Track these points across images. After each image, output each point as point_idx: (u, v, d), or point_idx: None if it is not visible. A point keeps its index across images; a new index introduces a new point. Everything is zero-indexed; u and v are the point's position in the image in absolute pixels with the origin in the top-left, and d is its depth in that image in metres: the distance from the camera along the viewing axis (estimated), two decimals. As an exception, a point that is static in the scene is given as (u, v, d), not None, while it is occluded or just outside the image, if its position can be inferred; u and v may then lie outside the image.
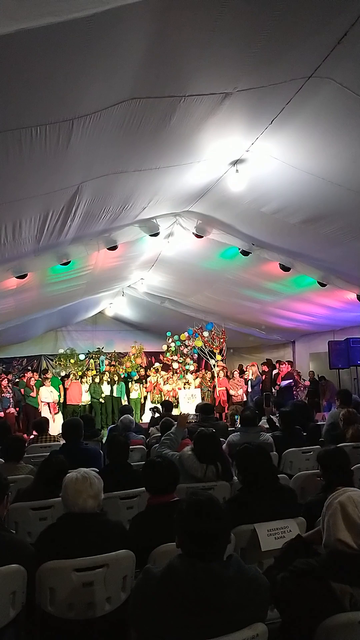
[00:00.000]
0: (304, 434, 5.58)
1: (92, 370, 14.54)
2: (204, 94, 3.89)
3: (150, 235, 7.73)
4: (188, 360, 13.34)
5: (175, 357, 13.36)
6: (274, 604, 1.80)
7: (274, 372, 12.66)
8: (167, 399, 11.26)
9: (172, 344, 13.45)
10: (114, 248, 7.58)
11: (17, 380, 13.19)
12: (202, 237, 7.93)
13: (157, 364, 14.17)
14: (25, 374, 12.85)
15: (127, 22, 2.77)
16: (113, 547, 2.27)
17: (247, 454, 2.93)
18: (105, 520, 2.44)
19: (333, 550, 1.75)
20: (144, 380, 14.22)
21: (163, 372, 13.66)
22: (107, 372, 14.41)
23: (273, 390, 12.26)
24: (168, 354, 13.56)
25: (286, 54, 3.53)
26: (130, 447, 4.40)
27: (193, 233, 7.90)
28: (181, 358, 13.36)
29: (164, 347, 13.73)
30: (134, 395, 13.93)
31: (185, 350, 13.24)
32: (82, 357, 15.10)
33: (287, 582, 1.81)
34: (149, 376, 14.03)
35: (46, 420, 6.48)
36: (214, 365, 12.52)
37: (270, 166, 5.39)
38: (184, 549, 1.70)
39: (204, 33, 3.11)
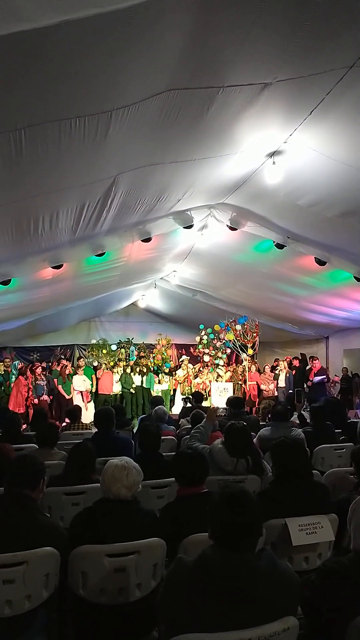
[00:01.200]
0: (337, 430, 5.50)
1: (123, 360, 14.70)
2: (242, 84, 3.84)
3: (184, 228, 7.73)
4: (220, 354, 13.29)
5: (207, 350, 13.33)
6: (302, 607, 1.79)
7: (307, 367, 12.50)
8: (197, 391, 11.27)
9: (205, 337, 13.42)
10: (147, 240, 7.62)
11: (50, 368, 13.45)
12: (236, 229, 7.88)
13: (184, 357, 14.20)
14: (61, 362, 13.07)
15: (166, 12, 2.77)
16: (144, 535, 2.30)
17: (283, 448, 2.92)
18: (138, 508, 2.48)
19: None
20: (173, 373, 14.27)
21: (190, 365, 13.67)
22: (138, 363, 14.54)
23: (305, 386, 12.12)
24: (200, 346, 13.54)
25: (327, 43, 3.46)
26: (162, 437, 4.44)
27: (227, 225, 7.85)
28: (213, 351, 13.32)
29: (197, 339, 13.72)
30: (163, 387, 14.01)
31: (217, 344, 13.19)
32: (113, 347, 15.26)
33: (317, 581, 1.80)
34: (178, 368, 14.07)
35: (79, 409, 6.60)
36: (245, 359, 12.45)
37: (307, 158, 5.30)
38: (216, 539, 1.71)
39: (244, 22, 3.08)
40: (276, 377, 12.66)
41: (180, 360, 14.23)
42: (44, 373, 12.48)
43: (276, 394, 12.05)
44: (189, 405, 7.49)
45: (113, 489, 2.38)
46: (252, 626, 1.52)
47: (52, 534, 2.31)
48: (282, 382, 12.61)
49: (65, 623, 2.36)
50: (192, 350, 14.64)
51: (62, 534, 2.38)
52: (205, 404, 9.13)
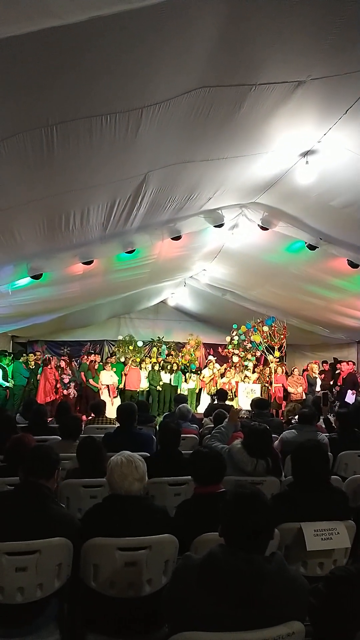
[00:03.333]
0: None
1: (154, 358, 14.76)
2: (276, 82, 3.80)
3: (215, 227, 7.69)
4: (249, 355, 13.17)
5: (236, 351, 13.23)
6: (309, 614, 1.76)
7: (336, 372, 12.28)
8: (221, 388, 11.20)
9: (236, 337, 13.32)
10: (177, 238, 7.62)
11: (80, 362, 13.64)
12: (267, 229, 7.79)
13: (210, 357, 14.14)
14: (89, 357, 13.24)
15: (197, 9, 2.76)
16: (155, 531, 2.31)
17: (304, 451, 2.87)
18: (149, 504, 2.48)
19: None
20: (199, 372, 14.25)
21: (217, 365, 13.61)
22: (167, 361, 14.58)
23: (333, 390, 11.91)
24: (230, 346, 13.46)
25: (363, 40, 3.38)
26: (183, 435, 4.44)
27: (258, 225, 7.78)
28: (242, 352, 13.21)
29: (227, 339, 13.65)
30: (190, 385, 14.01)
31: (248, 346, 13.07)
32: (140, 344, 15.33)
33: (324, 589, 1.77)
34: (205, 367, 14.04)
35: (103, 403, 6.66)
36: (272, 361, 12.31)
37: (342, 158, 5.20)
38: (226, 538, 1.70)
39: (277, 19, 3.04)
40: (312, 382, 12.47)
41: (207, 360, 14.17)
42: (72, 366, 12.66)
43: (304, 397, 11.87)
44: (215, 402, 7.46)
45: (125, 484, 2.39)
46: (256, 628, 1.51)
47: (66, 524, 2.35)
48: (318, 387, 12.45)
49: (76, 613, 2.39)
50: (220, 350, 14.56)
51: (75, 524, 2.41)
52: (231, 404, 9.09)
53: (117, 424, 5.18)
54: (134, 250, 7.48)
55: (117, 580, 2.24)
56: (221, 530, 1.76)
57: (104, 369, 12.52)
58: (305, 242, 7.86)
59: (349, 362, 11.90)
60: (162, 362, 14.47)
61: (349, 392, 10.71)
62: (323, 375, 12.79)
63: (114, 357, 14.25)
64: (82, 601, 2.35)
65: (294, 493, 2.77)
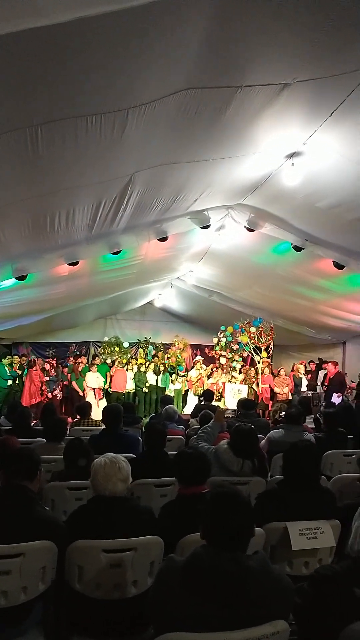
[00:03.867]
0: (350, 436, 5.43)
1: (141, 359, 14.73)
2: (261, 84, 3.82)
3: (201, 228, 7.71)
4: (237, 357, 13.21)
5: (224, 353, 13.26)
6: (293, 613, 1.77)
7: (321, 372, 12.37)
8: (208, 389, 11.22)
9: (223, 339, 13.36)
10: (164, 239, 7.61)
11: (66, 364, 13.57)
12: (253, 230, 7.82)
13: (198, 357, 14.16)
14: (77, 359, 13.17)
15: (184, 11, 2.76)
16: (141, 532, 2.30)
17: (296, 451, 2.88)
18: (135, 505, 2.48)
19: (358, 556, 1.70)
20: (186, 373, 14.26)
21: (204, 366, 13.62)
22: (153, 362, 14.56)
23: (319, 390, 11.99)
24: (217, 347, 13.49)
25: (348, 44, 3.41)
26: (169, 437, 4.43)
27: (245, 226, 7.81)
28: (230, 354, 13.24)
29: (214, 340, 13.68)
30: (177, 386, 14.01)
31: (235, 347, 13.11)
32: (125, 345, 15.29)
33: (309, 588, 1.78)
34: (192, 368, 14.05)
35: (89, 405, 6.63)
36: (259, 362, 12.36)
37: (327, 160, 5.25)
38: (207, 539, 1.70)
39: (263, 22, 3.05)
40: (298, 382, 12.54)
41: (195, 360, 14.18)
42: (57, 369, 12.59)
43: (290, 397, 11.94)
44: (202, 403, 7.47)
45: (109, 486, 2.38)
46: (242, 627, 1.51)
47: (50, 527, 2.33)
48: (304, 387, 12.53)
49: (61, 616, 2.37)
50: (207, 350, 14.59)
51: (60, 527, 2.39)
52: (218, 404, 9.11)
53: (103, 426, 5.16)
54: (120, 251, 7.46)
55: (102, 582, 2.23)
56: (202, 531, 1.76)
57: (90, 370, 12.46)
58: (292, 244, 7.91)
59: (334, 363, 12.00)
60: (149, 363, 14.45)
61: (334, 395, 10.79)
62: (310, 376, 12.88)
63: (97, 358, 14.16)
64: (67, 604, 2.33)
65: (284, 492, 2.78)
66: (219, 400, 11.54)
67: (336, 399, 10.95)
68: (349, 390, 11.82)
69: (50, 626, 2.32)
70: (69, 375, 12.52)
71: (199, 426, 5.52)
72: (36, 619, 2.28)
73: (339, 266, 8.06)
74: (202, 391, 12.32)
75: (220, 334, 13.31)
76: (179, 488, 2.84)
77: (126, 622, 2.27)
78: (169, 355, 14.88)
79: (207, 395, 7.72)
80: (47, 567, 2.24)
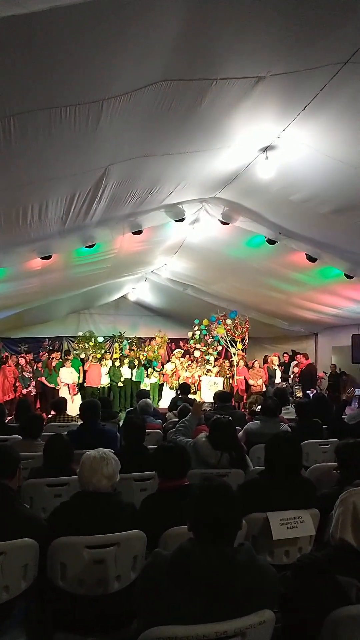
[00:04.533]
0: (324, 426, 5.53)
1: (117, 353, 14.64)
2: (236, 77, 3.82)
3: (176, 221, 7.70)
4: (211, 350, 13.28)
5: (198, 346, 13.32)
6: (278, 604, 1.79)
7: (293, 363, 12.56)
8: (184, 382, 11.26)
9: (198, 332, 13.39)
10: (139, 232, 7.58)
11: (39, 360, 13.39)
12: (228, 224, 7.86)
13: (177, 350, 14.17)
14: (51, 355, 13.00)
15: (159, 2, 2.73)
16: (123, 527, 2.30)
17: (279, 441, 2.91)
18: (118, 500, 2.47)
19: (339, 544, 1.74)
20: (162, 367, 14.26)
21: (182, 359, 13.66)
22: (128, 356, 14.50)
23: (290, 381, 12.19)
24: (192, 341, 13.53)
25: (322, 39, 3.44)
26: (147, 430, 4.43)
27: (219, 220, 7.83)
28: (204, 347, 13.30)
29: (189, 334, 13.71)
30: (152, 380, 14.01)
31: (209, 340, 13.18)
32: (100, 339, 15.20)
33: (292, 576, 1.81)
34: (167, 362, 14.05)
35: (64, 400, 6.57)
36: (234, 354, 12.47)
37: (301, 153, 5.29)
38: (195, 532, 1.70)
39: (238, 14, 3.05)
40: (272, 373, 12.69)
41: (172, 353, 14.15)
42: (31, 364, 12.42)
43: (264, 389, 12.09)
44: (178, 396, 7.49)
45: (93, 480, 2.37)
46: (229, 619, 1.52)
47: (31, 525, 2.31)
48: (278, 379, 12.69)
49: (44, 614, 2.35)
50: (182, 344, 14.62)
51: (41, 524, 2.37)
52: (194, 397, 9.15)
53: (79, 421, 5.12)
54: (94, 245, 7.39)
55: (85, 578, 2.22)
56: (189, 524, 1.77)
57: (64, 365, 12.34)
58: (265, 237, 7.98)
59: (305, 355, 12.20)
60: (124, 358, 14.38)
61: (308, 391, 11.01)
62: (282, 367, 13.07)
63: (71, 353, 13.99)
64: (50, 601, 2.31)
65: (265, 483, 2.82)
66: (195, 393, 11.59)
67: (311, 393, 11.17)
68: (319, 381, 12.05)
69: (32, 624, 2.30)
70: (43, 370, 12.36)
71: (176, 420, 5.53)
72: (18, 617, 2.25)
73: (311, 259, 8.18)
74: (177, 384, 12.36)
75: (195, 327, 13.35)
76: (159, 482, 2.85)
77: (109, 617, 2.26)
78: (146, 349, 14.82)
79: (184, 388, 7.74)
80: (29, 565, 2.22)
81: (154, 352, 14.63)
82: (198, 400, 8.18)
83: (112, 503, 2.41)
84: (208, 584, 1.56)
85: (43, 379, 12.17)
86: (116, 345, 15.17)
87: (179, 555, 1.64)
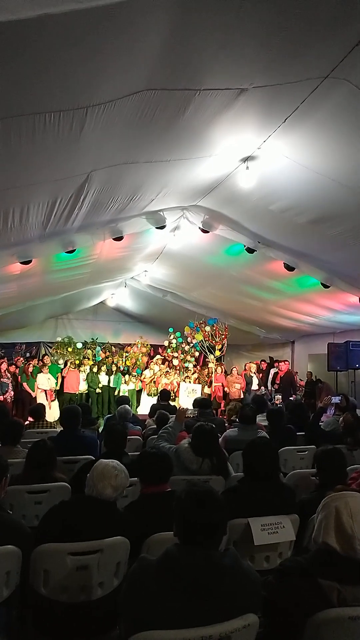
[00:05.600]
0: (301, 433, 5.59)
1: (90, 360, 14.54)
2: (219, 88, 3.87)
3: (157, 228, 7.73)
4: (189, 357, 13.31)
5: (175, 354, 13.34)
6: (262, 607, 1.82)
7: (272, 370, 12.68)
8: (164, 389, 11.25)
9: (174, 341, 13.41)
10: (119, 239, 7.58)
11: (16, 365, 13.20)
12: (208, 232, 7.93)
13: (158, 356, 14.15)
14: (30, 361, 12.83)
15: (146, 13, 2.77)
16: (110, 533, 2.30)
17: (255, 447, 2.96)
18: (114, 508, 2.49)
19: (321, 548, 1.77)
20: (141, 373, 14.21)
21: (162, 366, 13.66)
22: (105, 363, 14.40)
23: (270, 388, 12.30)
24: (169, 349, 13.55)
25: (304, 53, 3.52)
26: (127, 437, 4.42)
27: (199, 227, 7.90)
28: (182, 355, 13.33)
29: (166, 343, 13.72)
30: (130, 387, 13.96)
31: (186, 348, 13.22)
32: (79, 345, 15.09)
33: (275, 581, 1.84)
34: (146, 368, 14.02)
35: (43, 407, 6.51)
36: (212, 362, 12.53)
37: (281, 165, 5.38)
38: (181, 537, 1.72)
39: (222, 26, 3.10)
40: (249, 380, 12.78)
41: (154, 360, 14.11)
42: (10, 371, 12.23)
43: (242, 396, 12.17)
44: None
45: (99, 486, 2.40)
46: (214, 622, 1.54)
47: (14, 532, 2.29)
48: (255, 386, 12.79)
49: (26, 621, 2.33)
50: (160, 351, 14.62)
51: (24, 531, 2.36)
52: (174, 404, 9.15)
53: (59, 428, 5.08)
54: (74, 250, 7.36)
55: (68, 585, 2.21)
56: (176, 529, 1.78)
57: (41, 371, 12.20)
58: (245, 245, 8.08)
59: (285, 362, 12.34)
60: (97, 364, 14.26)
61: (291, 398, 11.13)
62: (261, 375, 13.17)
63: (46, 357, 13.79)
64: (32, 608, 2.29)
65: (245, 489, 2.85)
66: (174, 400, 11.61)
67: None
68: (300, 388, 12.19)
69: (14, 631, 2.27)
70: (20, 377, 12.19)
71: (155, 426, 5.54)
72: (0, 624, 2.23)
73: (289, 268, 8.30)
74: (155, 391, 12.36)
75: (170, 336, 13.38)
76: (142, 488, 2.85)
77: (92, 624, 2.26)
78: (128, 356, 14.69)
79: (163, 395, 7.75)
80: (12, 572, 2.20)
81: (138, 359, 14.53)
82: (178, 407, 8.19)
83: (109, 510, 2.43)
84: (194, 587, 1.58)
85: (25, 385, 12.00)
86: (89, 351, 15.01)
87: (166, 560, 1.66)
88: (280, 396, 11.10)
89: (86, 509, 2.38)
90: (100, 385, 13.89)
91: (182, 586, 1.58)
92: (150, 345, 15.52)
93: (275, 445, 4.79)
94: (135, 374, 14.19)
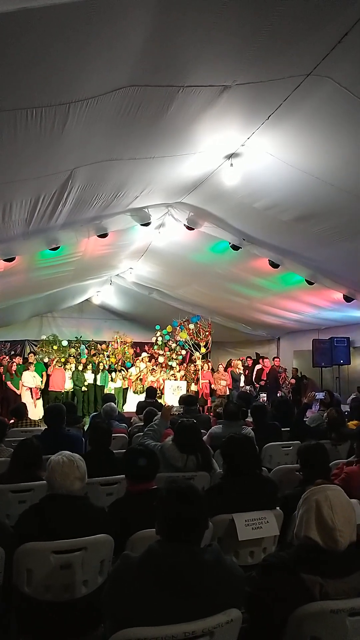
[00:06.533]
0: (285, 429, 5.63)
1: (74, 359, 14.46)
2: (203, 85, 3.87)
3: (142, 225, 7.71)
4: (174, 355, 13.31)
5: (161, 352, 13.34)
6: (244, 603, 1.84)
7: (257, 367, 12.75)
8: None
9: (160, 338, 13.39)
10: (104, 236, 7.55)
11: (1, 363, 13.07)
12: (193, 229, 7.93)
13: (144, 354, 14.13)
14: (14, 359, 12.71)
15: (129, 8, 2.76)
16: (93, 531, 2.29)
17: (234, 443, 2.98)
18: (88, 504, 2.47)
19: (303, 543, 1.79)
20: (126, 370, 14.18)
21: (148, 363, 13.64)
22: (90, 361, 14.33)
23: (255, 385, 12.36)
24: (155, 347, 13.54)
25: (286, 50, 3.53)
26: (112, 435, 4.42)
27: (184, 225, 7.90)
28: (167, 353, 13.33)
29: (153, 340, 13.70)
30: (117, 384, 13.93)
31: (172, 345, 13.22)
32: (64, 343, 14.99)
33: (258, 576, 1.85)
34: (132, 366, 14.00)
35: (24, 406, 6.47)
36: (198, 358, 12.56)
37: (264, 162, 5.40)
38: (164, 534, 1.73)
39: (205, 23, 3.10)
40: (237, 377, 12.81)
41: (141, 357, 14.08)
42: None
43: (228, 392, 12.22)
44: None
45: (67, 483, 2.38)
46: (197, 618, 1.55)
47: (-2, 531, 2.27)
48: (242, 383, 12.84)
49: (10, 621, 2.32)
50: (146, 348, 14.60)
51: (7, 530, 2.34)
52: (160, 402, 9.15)
53: (43, 426, 5.05)
54: (58, 247, 7.31)
55: (51, 584, 2.20)
56: (158, 526, 1.79)
57: (27, 369, 12.10)
58: (230, 242, 8.10)
59: (275, 359, 12.42)
60: (85, 362, 14.19)
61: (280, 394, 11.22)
62: (247, 372, 13.23)
63: (31, 356, 13.68)
64: (16, 607, 2.28)
65: (227, 484, 2.87)
66: (160, 397, 11.61)
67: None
68: (289, 385, 12.27)
69: (-2, 632, 2.26)
70: (4, 375, 12.08)
71: (141, 424, 5.53)
72: (-17, 625, 2.21)
73: (274, 265, 8.35)
74: (142, 389, 12.35)
75: (157, 333, 13.37)
76: (128, 485, 2.85)
77: (77, 622, 2.25)
78: (113, 352, 14.62)
79: (150, 392, 7.75)
80: (-6, 573, 2.18)
81: (125, 352, 14.45)
82: (164, 404, 8.20)
83: (82, 506, 2.41)
84: (177, 582, 1.59)
85: (9, 384, 11.89)
86: (72, 350, 14.91)
87: (148, 556, 1.66)
88: (266, 394, 11.15)
89: (61, 508, 2.36)
90: (86, 384, 13.83)
91: (165, 582, 1.59)
92: (136, 342, 15.49)
93: (260, 441, 4.87)
94: (126, 366, 14.13)
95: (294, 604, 1.66)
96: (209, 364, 13.11)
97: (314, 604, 1.67)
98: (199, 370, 12.68)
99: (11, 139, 3.70)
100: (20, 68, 2.93)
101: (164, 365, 13.25)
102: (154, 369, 13.32)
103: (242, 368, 13.21)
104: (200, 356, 12.54)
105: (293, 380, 12.37)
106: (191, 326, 12.26)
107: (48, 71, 3.08)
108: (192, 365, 13.33)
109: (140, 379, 13.21)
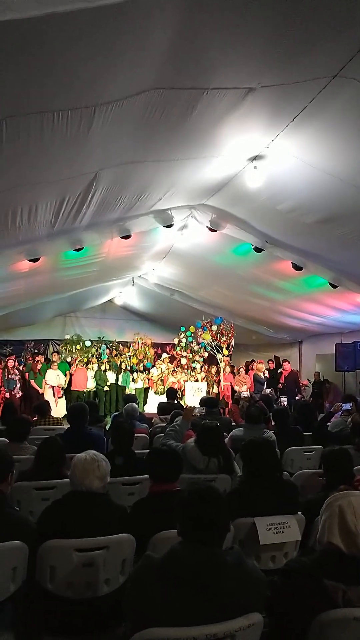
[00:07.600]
0: (307, 433, 5.58)
1: (95, 359, 14.57)
2: (227, 87, 3.87)
3: (164, 227, 7.73)
4: (197, 357, 13.29)
5: (184, 353, 13.33)
6: (266, 607, 1.83)
7: (278, 370, 12.65)
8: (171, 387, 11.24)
9: (184, 340, 13.39)
10: (127, 237, 7.59)
11: (25, 362, 13.26)
12: (215, 231, 7.92)
13: (165, 355, 14.15)
14: (36, 358, 12.88)
15: (154, 12, 2.78)
16: (114, 529, 2.32)
17: (253, 447, 2.97)
18: (109, 501, 2.49)
19: (325, 548, 1.77)
20: (148, 371, 14.22)
21: (170, 365, 13.66)
22: (111, 361, 14.41)
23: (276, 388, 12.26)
24: (178, 348, 13.54)
25: (311, 52, 3.51)
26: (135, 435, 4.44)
27: (207, 227, 7.89)
28: (190, 354, 13.31)
29: (176, 341, 13.71)
30: (138, 385, 13.98)
31: (195, 348, 13.20)
32: (88, 343, 15.12)
33: (280, 581, 1.84)
34: (153, 366, 14.03)
35: (47, 403, 6.54)
36: (220, 360, 12.51)
37: (288, 164, 5.37)
38: (185, 535, 1.73)
39: (230, 25, 3.10)
40: (262, 380, 12.72)
41: (162, 358, 14.10)
42: (18, 368, 12.30)
43: (251, 395, 12.14)
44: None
45: (86, 481, 2.41)
46: (218, 620, 1.55)
47: (20, 528, 2.31)
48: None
49: (32, 617, 2.35)
50: (167, 349, 14.62)
51: (30, 527, 2.38)
52: (180, 402, 9.16)
53: (65, 424, 5.11)
54: (82, 248, 7.38)
55: (74, 581, 2.23)
56: (179, 527, 1.79)
57: (51, 368, 12.25)
58: (252, 245, 8.06)
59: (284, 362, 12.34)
60: (106, 362, 14.27)
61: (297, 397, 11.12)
62: (269, 375, 13.14)
63: (55, 355, 13.81)
64: (39, 604, 2.31)
65: (247, 487, 2.86)
66: (181, 398, 11.62)
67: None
68: (303, 388, 12.16)
69: (21, 627, 2.29)
70: (27, 374, 12.26)
71: (163, 425, 5.55)
72: (6, 620, 2.25)
73: (297, 268, 8.28)
74: (162, 390, 12.37)
75: (181, 334, 13.37)
76: (151, 485, 2.86)
77: (98, 620, 2.27)
78: (134, 353, 14.67)
79: (170, 393, 7.77)
80: (18, 568, 2.22)
81: (146, 353, 14.48)
82: (184, 405, 8.21)
83: (104, 503, 2.44)
84: (198, 584, 1.59)
85: (32, 382, 12.07)
86: (94, 350, 15.02)
87: (170, 558, 1.67)
88: (286, 398, 11.05)
89: (81, 506, 2.39)
90: (108, 384, 13.92)
91: (186, 583, 1.59)
92: (157, 343, 15.51)
93: (282, 445, 4.84)
94: (146, 366, 14.16)
95: (316, 610, 1.65)
96: (231, 366, 13.05)
97: (337, 610, 1.65)
98: (221, 372, 12.63)
99: (38, 141, 3.76)
100: (46, 71, 2.97)
101: (185, 366, 13.23)
102: (175, 370, 13.32)
103: (266, 372, 13.09)
104: (223, 358, 12.48)
105: (305, 382, 12.24)
106: (214, 327, 12.22)
107: (73, 74, 3.12)
108: (214, 367, 13.28)
109: (162, 380, 13.23)
